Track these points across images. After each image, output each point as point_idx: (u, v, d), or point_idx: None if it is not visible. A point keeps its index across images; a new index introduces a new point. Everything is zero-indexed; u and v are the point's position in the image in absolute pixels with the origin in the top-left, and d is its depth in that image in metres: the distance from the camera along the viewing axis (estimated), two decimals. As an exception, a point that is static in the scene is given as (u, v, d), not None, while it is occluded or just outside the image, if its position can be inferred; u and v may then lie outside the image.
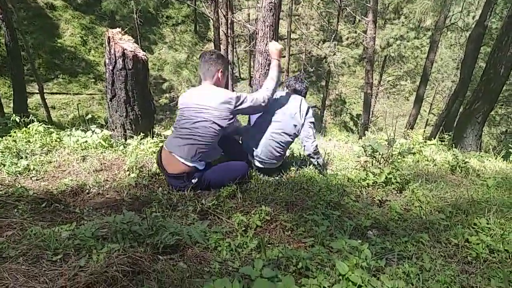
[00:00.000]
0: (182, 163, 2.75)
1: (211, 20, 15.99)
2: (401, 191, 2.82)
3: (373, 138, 2.91)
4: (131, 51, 3.46)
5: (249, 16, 25.36)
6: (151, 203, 2.45)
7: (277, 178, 3.31)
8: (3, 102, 13.22)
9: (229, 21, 16.31)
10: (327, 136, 7.93)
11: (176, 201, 2.53)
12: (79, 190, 2.58)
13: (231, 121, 2.81)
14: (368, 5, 15.10)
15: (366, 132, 14.64)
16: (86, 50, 22.36)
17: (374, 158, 2.91)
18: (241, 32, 27.16)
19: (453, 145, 6.13)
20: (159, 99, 22.98)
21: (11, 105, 13.37)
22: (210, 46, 24.73)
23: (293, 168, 3.43)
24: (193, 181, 2.81)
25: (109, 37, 3.47)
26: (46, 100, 16.55)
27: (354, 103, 26.72)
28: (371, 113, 19.96)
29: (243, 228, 2.11)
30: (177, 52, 24.86)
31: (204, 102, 2.76)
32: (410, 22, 23.53)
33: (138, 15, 22.83)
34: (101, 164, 3.21)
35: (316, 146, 3.34)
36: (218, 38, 15.50)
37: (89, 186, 2.66)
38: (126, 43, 3.52)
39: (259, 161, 3.28)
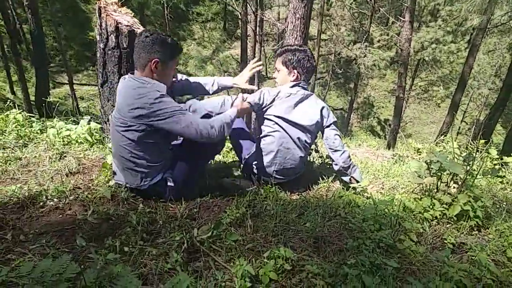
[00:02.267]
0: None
1: (240, 15, 15.34)
2: (480, 229, 2.00)
3: (441, 152, 2.10)
4: (127, 26, 2.75)
5: (279, 14, 24.61)
6: (124, 228, 1.73)
7: (302, 191, 2.57)
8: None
9: (258, 18, 15.63)
10: (356, 141, 7.07)
11: (160, 226, 1.80)
12: (29, 203, 1.88)
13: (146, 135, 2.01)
14: (406, 4, 14.08)
15: (396, 138, 13.69)
16: (116, 43, 22.74)
17: (440, 180, 2.10)
18: (270, 30, 26.50)
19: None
20: (183, 95, 22.65)
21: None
22: (238, 44, 24.28)
23: (323, 182, 2.64)
24: (169, 183, 2.17)
25: (100, 7, 2.77)
26: (75, 91, 16.53)
27: (383, 107, 25.69)
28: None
29: (249, 285, 1.35)
30: (206, 48, 24.56)
31: (118, 102, 2.06)
32: (448, 25, 22.25)
33: (168, 11, 22.64)
34: (79, 165, 2.52)
35: (348, 157, 2.55)
36: (245, 33, 14.84)
37: (46, 197, 1.96)
38: (122, 16, 2.82)
39: (278, 174, 2.54)
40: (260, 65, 2.75)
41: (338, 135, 2.58)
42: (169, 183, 2.15)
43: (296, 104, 2.53)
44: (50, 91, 13.11)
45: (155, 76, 2.07)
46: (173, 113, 1.95)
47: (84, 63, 21.33)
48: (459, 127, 22.71)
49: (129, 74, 2.13)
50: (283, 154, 2.52)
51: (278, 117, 2.50)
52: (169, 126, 1.96)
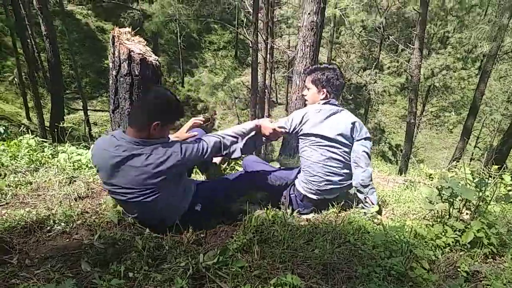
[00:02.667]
0: None
1: (251, 43, 15.67)
2: (495, 257, 1.93)
3: (452, 177, 2.06)
4: (139, 54, 2.83)
5: (289, 43, 25.10)
6: (130, 253, 1.72)
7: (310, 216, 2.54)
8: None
9: (268, 46, 15.94)
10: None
11: (166, 252, 1.78)
12: (36, 227, 1.88)
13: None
14: (415, 32, 14.21)
15: (408, 163, 13.54)
16: (131, 71, 23.66)
17: (452, 206, 2.05)
18: (281, 58, 26.98)
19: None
20: (195, 121, 23.04)
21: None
22: (249, 71, 24.77)
23: (333, 208, 2.60)
24: (197, 208, 2.18)
25: (113, 36, 2.86)
26: (89, 117, 16.91)
27: (394, 133, 25.57)
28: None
29: (255, 314, 1.32)
30: (217, 75, 25.06)
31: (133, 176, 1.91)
32: (458, 52, 22.37)
33: (181, 39, 23.34)
34: (87, 189, 2.54)
35: (369, 177, 2.50)
36: (256, 61, 15.07)
37: (53, 222, 1.97)
38: (135, 45, 2.90)
39: (316, 193, 2.53)
40: (201, 120, 2.73)
41: (366, 152, 2.53)
42: (196, 207, 2.18)
43: (326, 118, 2.53)
44: (64, 117, 13.41)
45: (155, 134, 1.97)
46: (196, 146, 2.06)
47: (99, 89, 21.92)
48: (472, 153, 22.36)
49: (121, 133, 1.98)
50: (321, 170, 2.50)
51: (310, 134, 2.51)
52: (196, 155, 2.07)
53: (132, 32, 3.07)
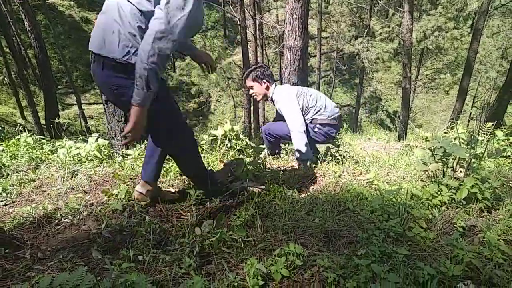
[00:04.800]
0: None
1: (238, 20, 15.42)
2: (490, 211, 2.00)
3: (444, 137, 2.10)
4: (126, 42, 2.82)
5: (277, 17, 24.66)
6: (137, 238, 1.77)
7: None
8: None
9: (257, 22, 15.70)
10: (365, 135, 7.04)
11: (172, 234, 1.84)
12: (44, 221, 1.94)
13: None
14: (404, -6, 13.97)
15: (406, 129, 13.58)
16: (120, 60, 23.48)
17: (446, 165, 2.10)
18: (271, 33, 26.59)
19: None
20: (188, 104, 22.88)
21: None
22: (240, 49, 24.51)
23: (331, 179, 2.66)
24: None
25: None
26: (84, 111, 16.84)
27: (390, 99, 25.52)
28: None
29: (261, 283, 1.38)
30: (208, 57, 24.79)
31: None
32: (449, 11, 22.07)
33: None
34: (90, 182, 2.58)
35: None
36: (245, 38, 14.88)
37: (60, 215, 2.02)
38: (120, 33, 2.89)
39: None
40: None
41: None
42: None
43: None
44: (59, 113, 13.35)
45: None
46: None
47: (91, 82, 21.69)
48: (470, 113, 22.42)
49: None
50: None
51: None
52: None
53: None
